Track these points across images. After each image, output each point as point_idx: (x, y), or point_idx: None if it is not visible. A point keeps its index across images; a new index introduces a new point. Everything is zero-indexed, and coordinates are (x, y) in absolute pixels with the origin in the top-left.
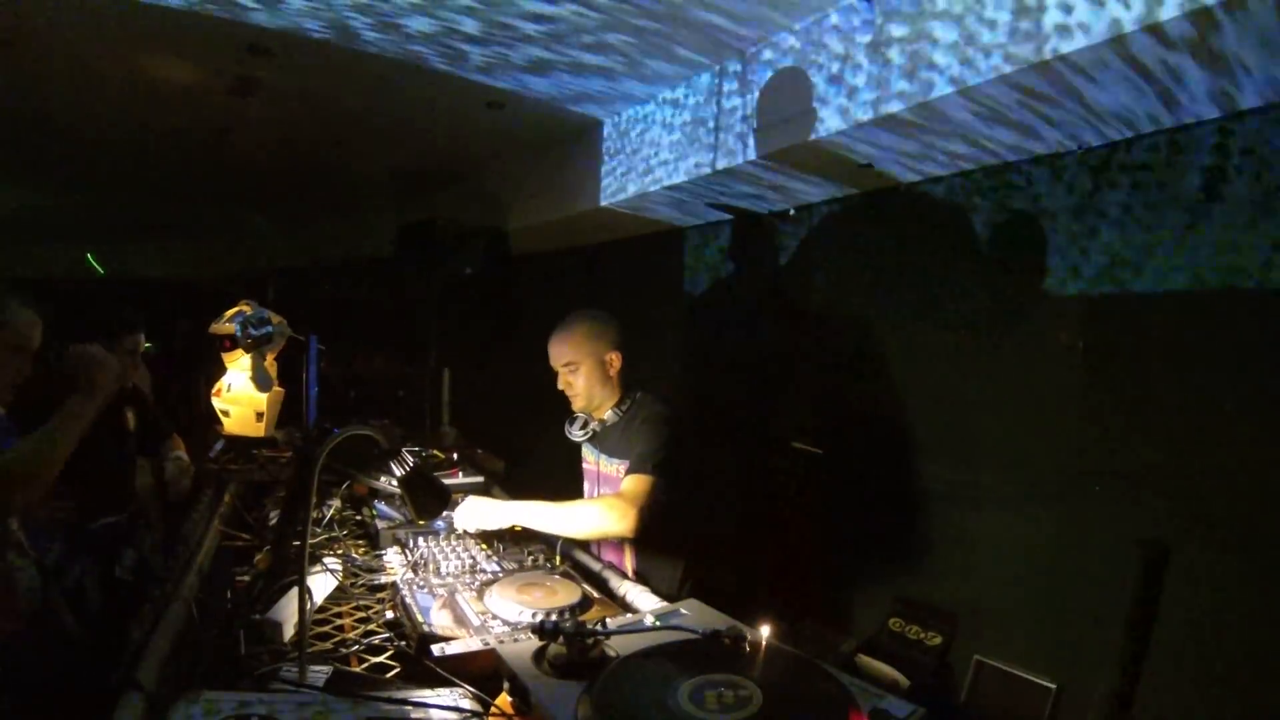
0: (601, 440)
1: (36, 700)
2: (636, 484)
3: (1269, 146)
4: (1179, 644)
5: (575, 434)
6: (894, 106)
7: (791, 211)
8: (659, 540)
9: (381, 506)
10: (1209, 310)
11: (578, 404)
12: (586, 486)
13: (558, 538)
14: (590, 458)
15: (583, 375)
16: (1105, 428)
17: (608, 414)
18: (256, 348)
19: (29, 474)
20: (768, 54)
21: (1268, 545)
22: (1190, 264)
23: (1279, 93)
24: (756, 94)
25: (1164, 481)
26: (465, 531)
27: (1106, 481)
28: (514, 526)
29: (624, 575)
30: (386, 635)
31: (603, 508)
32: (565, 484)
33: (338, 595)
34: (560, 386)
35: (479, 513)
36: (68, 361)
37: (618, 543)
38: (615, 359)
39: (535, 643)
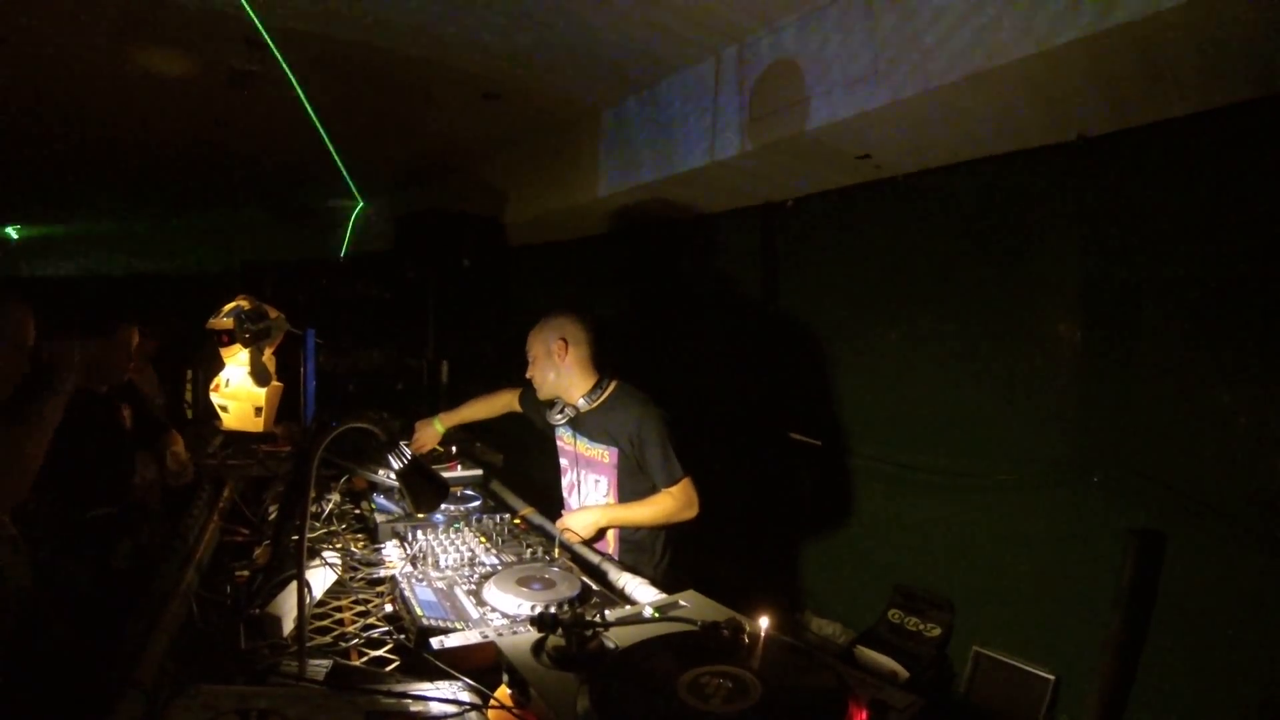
0: (579, 425)
1: (31, 700)
2: (684, 491)
3: None
4: (1174, 633)
5: (554, 418)
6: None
7: (789, 203)
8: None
9: (380, 500)
10: (1204, 300)
11: (539, 392)
12: (564, 463)
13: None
14: (567, 438)
15: (535, 364)
16: (1103, 417)
17: (580, 401)
18: (254, 342)
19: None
20: (766, 43)
21: (1262, 534)
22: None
23: None
24: (753, 84)
25: (1162, 471)
26: (571, 534)
27: (1105, 471)
28: (517, 520)
29: (620, 565)
30: (386, 629)
31: (677, 504)
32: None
33: (337, 589)
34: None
35: (586, 520)
36: (45, 359)
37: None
38: (560, 347)
39: (534, 635)
